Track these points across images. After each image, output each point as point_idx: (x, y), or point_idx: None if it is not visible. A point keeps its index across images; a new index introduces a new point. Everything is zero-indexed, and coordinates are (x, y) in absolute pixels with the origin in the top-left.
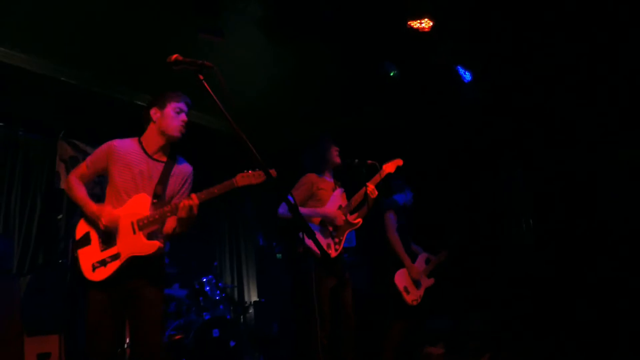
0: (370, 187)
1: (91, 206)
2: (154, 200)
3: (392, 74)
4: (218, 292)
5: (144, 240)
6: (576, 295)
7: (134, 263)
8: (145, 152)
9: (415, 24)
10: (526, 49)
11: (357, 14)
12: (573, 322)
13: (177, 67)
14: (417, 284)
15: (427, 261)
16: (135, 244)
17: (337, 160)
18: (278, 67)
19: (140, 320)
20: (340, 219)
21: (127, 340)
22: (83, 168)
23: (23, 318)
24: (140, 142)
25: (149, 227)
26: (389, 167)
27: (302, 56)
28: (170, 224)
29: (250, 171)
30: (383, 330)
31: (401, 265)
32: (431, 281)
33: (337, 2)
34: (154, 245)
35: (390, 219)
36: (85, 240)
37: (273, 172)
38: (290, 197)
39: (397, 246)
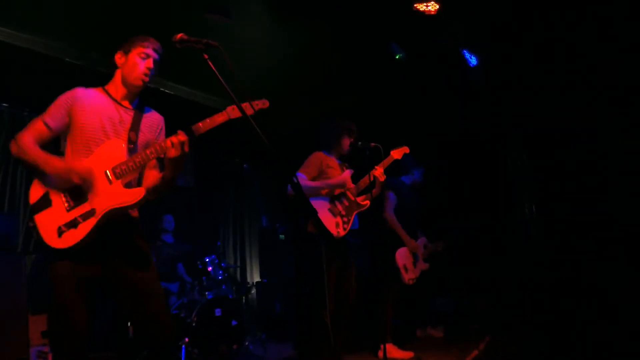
0: (379, 171)
1: (56, 162)
2: (130, 146)
3: (398, 57)
4: (221, 272)
5: (123, 189)
6: (577, 283)
7: (112, 223)
8: (113, 99)
9: (421, 6)
10: (533, 32)
11: None
12: (573, 308)
13: (183, 45)
14: (415, 263)
15: (425, 246)
16: (112, 195)
17: (345, 149)
18: (284, 48)
19: (142, 301)
20: (350, 183)
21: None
22: (40, 126)
23: (28, 296)
24: (105, 90)
25: (128, 176)
26: (396, 154)
27: (308, 38)
28: (153, 176)
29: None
30: (378, 307)
31: (401, 243)
32: (427, 266)
33: None
34: (138, 192)
35: (389, 197)
36: (44, 202)
37: (263, 103)
38: (294, 178)
39: (394, 224)
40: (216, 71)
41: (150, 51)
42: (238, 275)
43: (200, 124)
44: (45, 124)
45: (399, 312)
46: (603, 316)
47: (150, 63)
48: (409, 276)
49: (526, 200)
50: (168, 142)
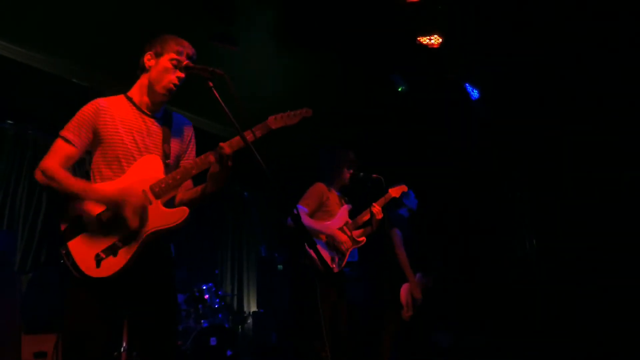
0: (377, 209)
1: (102, 188)
2: (168, 161)
3: (400, 89)
4: (217, 300)
5: (164, 209)
6: (578, 316)
7: (150, 245)
8: (138, 108)
9: (424, 40)
10: (534, 68)
11: (368, 29)
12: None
13: (188, 72)
14: (415, 301)
15: (420, 282)
16: (154, 216)
17: (346, 180)
18: (288, 76)
19: (156, 322)
20: (347, 245)
21: (124, 345)
22: (66, 148)
23: (22, 315)
24: (129, 98)
25: (167, 194)
26: (395, 192)
27: (312, 67)
28: (185, 188)
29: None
30: (377, 342)
31: (405, 280)
32: (421, 300)
33: (348, 16)
34: (181, 211)
35: (397, 235)
36: (76, 227)
37: (307, 111)
38: (295, 210)
39: (404, 263)
40: (220, 100)
41: (184, 58)
42: (235, 304)
43: (232, 142)
44: (70, 143)
45: (398, 346)
46: (605, 351)
47: (181, 73)
48: (408, 314)
49: (526, 233)
50: (211, 157)
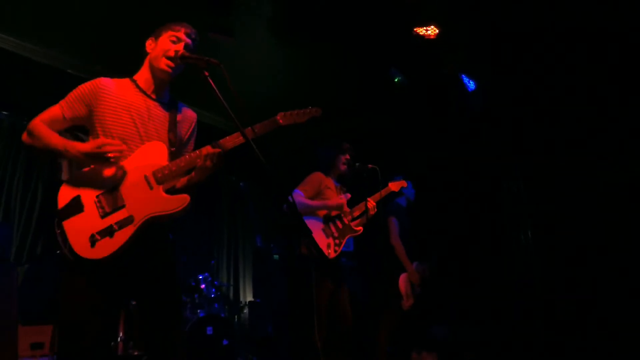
0: (371, 204)
1: (78, 145)
2: (172, 149)
3: (397, 80)
4: (214, 290)
5: (164, 195)
6: (573, 309)
7: (148, 231)
8: (142, 91)
9: (421, 31)
10: (531, 59)
11: (365, 20)
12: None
13: (184, 62)
14: (414, 290)
15: (417, 271)
16: (153, 202)
17: (343, 168)
18: (286, 69)
19: (161, 311)
20: (346, 207)
21: (121, 335)
22: (55, 111)
23: (18, 307)
24: (133, 81)
25: (170, 181)
26: (394, 187)
27: (309, 59)
28: (182, 180)
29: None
30: (374, 332)
31: (402, 269)
32: (419, 290)
33: (344, 8)
34: (182, 199)
35: (394, 224)
36: (75, 206)
37: (316, 110)
38: (290, 197)
39: (400, 252)
40: (216, 88)
41: (181, 35)
42: (231, 294)
43: (228, 140)
44: (60, 108)
45: (395, 338)
46: (601, 343)
47: (180, 47)
48: (407, 303)
49: (522, 227)
50: (210, 150)
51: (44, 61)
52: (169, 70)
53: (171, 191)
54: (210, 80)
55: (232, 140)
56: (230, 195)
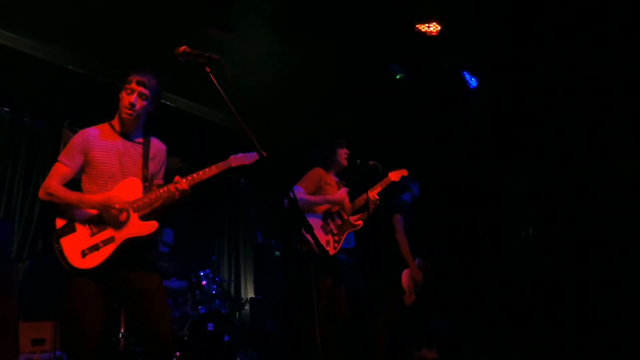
0: (373, 193)
1: (93, 197)
2: (146, 184)
3: (398, 77)
4: (215, 286)
5: (139, 221)
6: (573, 303)
7: (129, 249)
8: (119, 133)
9: (423, 27)
10: (532, 55)
11: (366, 16)
12: (568, 330)
13: (185, 58)
14: (415, 287)
15: (419, 267)
16: (130, 226)
17: (344, 162)
18: (285, 64)
19: (149, 314)
20: (347, 202)
21: (122, 331)
22: (62, 169)
23: (19, 303)
24: (111, 126)
25: (144, 210)
26: (394, 176)
27: (310, 55)
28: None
29: (241, 154)
30: (374, 330)
31: (404, 266)
32: (420, 286)
33: (345, 4)
34: (152, 225)
35: (399, 221)
36: (69, 228)
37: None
38: (291, 193)
39: (404, 248)
40: (217, 84)
41: (133, 85)
42: (232, 290)
43: (195, 176)
44: (65, 165)
45: (394, 333)
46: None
47: (132, 98)
48: (409, 299)
49: (522, 223)
50: (178, 186)
51: (44, 58)
52: (130, 117)
53: (146, 217)
54: (212, 76)
55: (196, 179)
56: (231, 192)
